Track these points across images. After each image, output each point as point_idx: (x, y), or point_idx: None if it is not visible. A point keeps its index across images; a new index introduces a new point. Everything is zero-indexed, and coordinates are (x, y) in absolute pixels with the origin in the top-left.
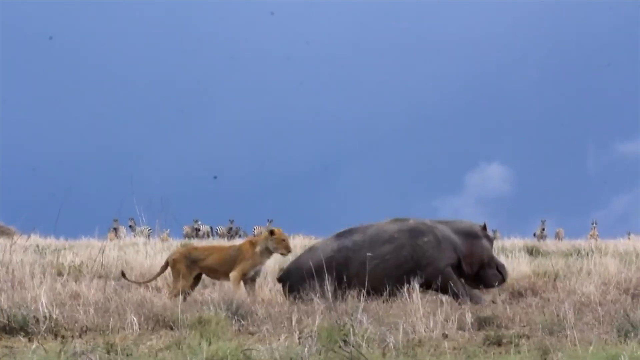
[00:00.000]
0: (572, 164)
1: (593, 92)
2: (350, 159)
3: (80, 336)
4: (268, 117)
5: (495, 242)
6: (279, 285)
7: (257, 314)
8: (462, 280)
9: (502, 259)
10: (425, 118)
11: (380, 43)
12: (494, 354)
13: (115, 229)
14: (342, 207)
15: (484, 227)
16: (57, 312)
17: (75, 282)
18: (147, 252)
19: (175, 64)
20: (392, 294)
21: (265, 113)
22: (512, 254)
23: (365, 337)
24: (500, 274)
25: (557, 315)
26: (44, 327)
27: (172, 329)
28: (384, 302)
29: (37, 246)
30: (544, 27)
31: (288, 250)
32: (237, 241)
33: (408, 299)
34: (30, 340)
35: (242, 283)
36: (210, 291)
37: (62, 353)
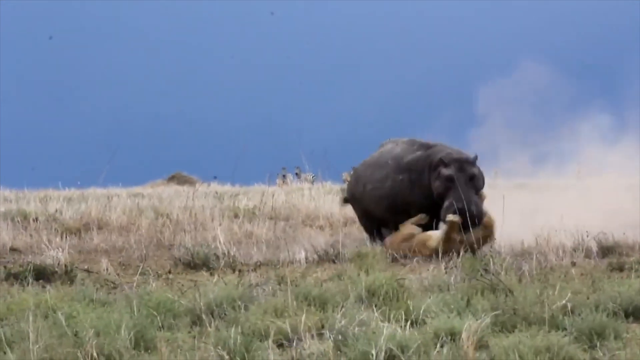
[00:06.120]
0: None
1: None
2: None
3: (254, 270)
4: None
5: None
6: None
7: None
8: None
9: None
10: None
11: None
12: (616, 278)
13: (284, 176)
14: None
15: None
16: (234, 249)
17: (249, 223)
18: (312, 195)
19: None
20: None
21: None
22: None
23: (503, 266)
24: None
25: None
26: (223, 262)
27: (334, 262)
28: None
29: (216, 192)
30: None
31: None
32: None
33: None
34: (211, 274)
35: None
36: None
37: (240, 285)
